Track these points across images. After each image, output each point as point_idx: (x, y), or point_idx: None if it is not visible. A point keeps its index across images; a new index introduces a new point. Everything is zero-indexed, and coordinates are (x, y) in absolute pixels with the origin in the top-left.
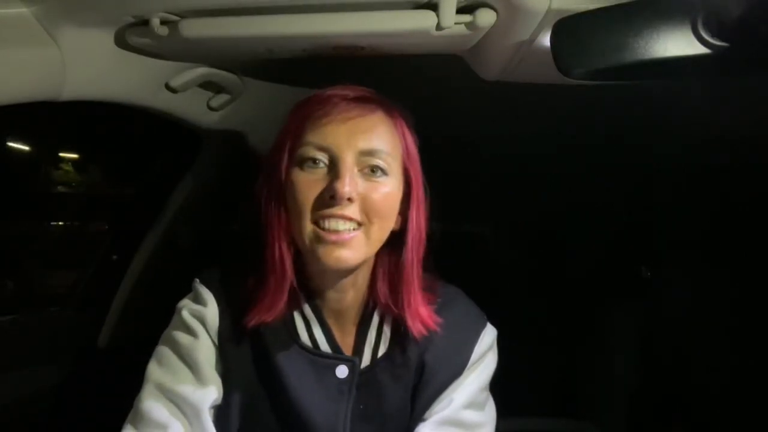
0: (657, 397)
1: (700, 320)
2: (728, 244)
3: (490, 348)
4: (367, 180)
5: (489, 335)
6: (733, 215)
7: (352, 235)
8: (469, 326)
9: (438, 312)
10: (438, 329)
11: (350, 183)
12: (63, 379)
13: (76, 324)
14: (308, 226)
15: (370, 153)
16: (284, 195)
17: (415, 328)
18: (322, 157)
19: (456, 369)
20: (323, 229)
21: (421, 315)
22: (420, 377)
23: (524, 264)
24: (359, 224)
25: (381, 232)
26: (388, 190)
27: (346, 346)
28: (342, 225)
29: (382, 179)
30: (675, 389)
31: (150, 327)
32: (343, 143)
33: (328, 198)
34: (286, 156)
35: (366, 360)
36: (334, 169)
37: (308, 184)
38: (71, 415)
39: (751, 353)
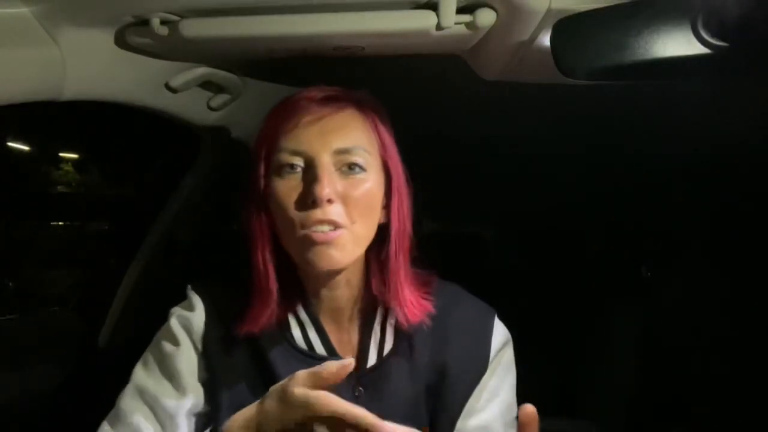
0: (657, 397)
1: (700, 320)
2: (728, 244)
3: (506, 341)
4: (346, 178)
5: (501, 326)
6: (733, 215)
7: (338, 233)
8: (481, 320)
9: (444, 310)
10: (429, 320)
11: (329, 184)
12: (63, 379)
13: (76, 324)
14: (293, 233)
15: (345, 151)
16: (265, 203)
17: (404, 316)
18: (298, 162)
19: (480, 364)
20: (311, 232)
21: (411, 304)
22: (442, 378)
23: (524, 264)
24: (342, 225)
25: (366, 228)
26: (367, 185)
27: (348, 346)
28: (327, 227)
29: (361, 175)
30: (675, 389)
31: (150, 327)
32: (317, 145)
33: (310, 202)
34: (262, 164)
35: (372, 359)
36: (310, 172)
37: (288, 190)
38: (71, 415)
39: (751, 353)
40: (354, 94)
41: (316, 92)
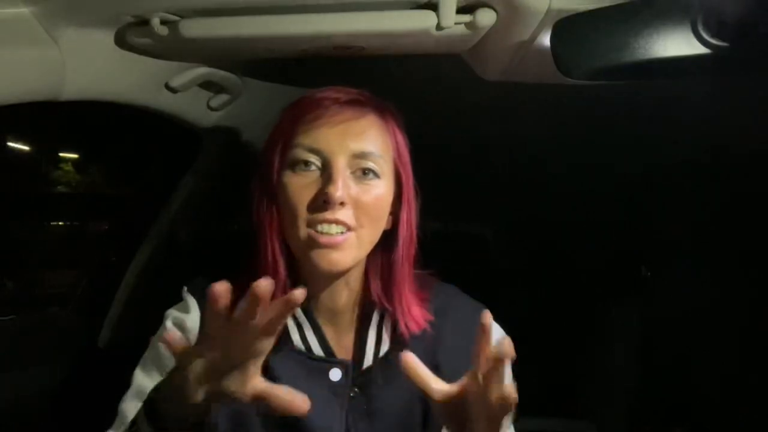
0: (657, 396)
1: (699, 320)
2: (728, 244)
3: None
4: (359, 182)
5: (496, 328)
6: (733, 215)
7: (344, 237)
8: (475, 319)
9: (440, 311)
10: (431, 328)
11: (343, 186)
12: (63, 379)
13: (76, 324)
14: (301, 230)
15: (362, 156)
16: (276, 197)
17: (407, 326)
18: (314, 160)
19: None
20: (316, 232)
21: (413, 314)
22: None
23: (524, 264)
24: (351, 228)
25: (372, 234)
26: (379, 192)
27: (344, 347)
28: (334, 228)
29: (374, 182)
30: (675, 389)
31: (150, 327)
32: (336, 146)
33: (321, 202)
34: (277, 158)
35: (368, 360)
36: (326, 172)
37: (300, 187)
38: (71, 415)
39: (751, 353)
40: (376, 100)
41: (340, 94)
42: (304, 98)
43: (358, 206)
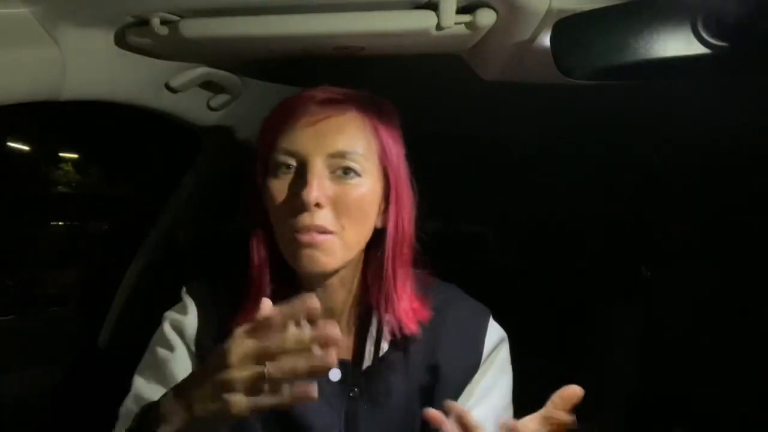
0: (657, 397)
1: (700, 320)
2: (728, 244)
3: (500, 342)
4: (339, 183)
5: (495, 327)
6: (733, 215)
7: (325, 237)
8: (475, 320)
9: (439, 311)
10: (430, 328)
11: (318, 188)
12: (63, 379)
13: (76, 324)
14: (284, 233)
15: (339, 155)
16: (264, 201)
17: (406, 326)
18: (292, 162)
19: (472, 364)
20: (298, 233)
21: (412, 314)
22: (435, 379)
23: (524, 264)
24: (331, 232)
25: (357, 235)
26: (361, 191)
27: (344, 347)
28: (314, 231)
29: (355, 180)
30: (675, 389)
31: (150, 327)
32: (311, 147)
33: (299, 205)
34: (261, 163)
35: (368, 361)
36: (302, 174)
37: (281, 190)
38: (71, 415)
39: (752, 353)
40: (359, 96)
41: (318, 93)
42: (284, 101)
43: (337, 207)
